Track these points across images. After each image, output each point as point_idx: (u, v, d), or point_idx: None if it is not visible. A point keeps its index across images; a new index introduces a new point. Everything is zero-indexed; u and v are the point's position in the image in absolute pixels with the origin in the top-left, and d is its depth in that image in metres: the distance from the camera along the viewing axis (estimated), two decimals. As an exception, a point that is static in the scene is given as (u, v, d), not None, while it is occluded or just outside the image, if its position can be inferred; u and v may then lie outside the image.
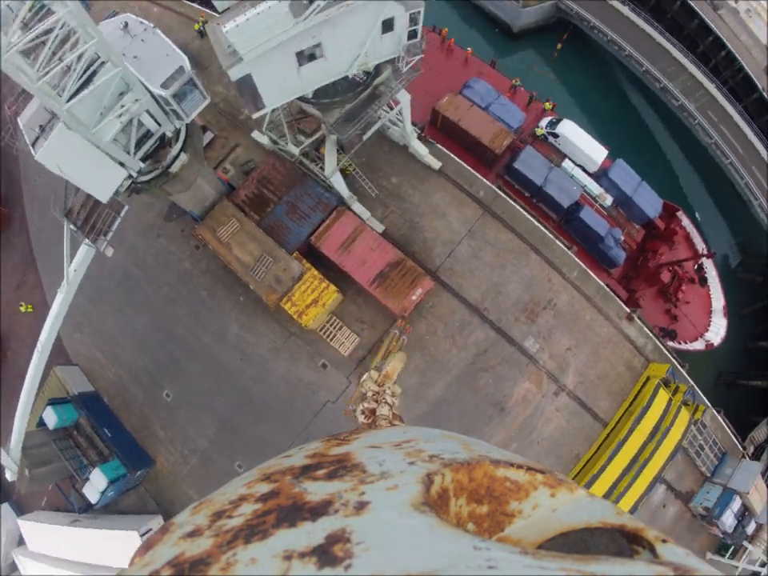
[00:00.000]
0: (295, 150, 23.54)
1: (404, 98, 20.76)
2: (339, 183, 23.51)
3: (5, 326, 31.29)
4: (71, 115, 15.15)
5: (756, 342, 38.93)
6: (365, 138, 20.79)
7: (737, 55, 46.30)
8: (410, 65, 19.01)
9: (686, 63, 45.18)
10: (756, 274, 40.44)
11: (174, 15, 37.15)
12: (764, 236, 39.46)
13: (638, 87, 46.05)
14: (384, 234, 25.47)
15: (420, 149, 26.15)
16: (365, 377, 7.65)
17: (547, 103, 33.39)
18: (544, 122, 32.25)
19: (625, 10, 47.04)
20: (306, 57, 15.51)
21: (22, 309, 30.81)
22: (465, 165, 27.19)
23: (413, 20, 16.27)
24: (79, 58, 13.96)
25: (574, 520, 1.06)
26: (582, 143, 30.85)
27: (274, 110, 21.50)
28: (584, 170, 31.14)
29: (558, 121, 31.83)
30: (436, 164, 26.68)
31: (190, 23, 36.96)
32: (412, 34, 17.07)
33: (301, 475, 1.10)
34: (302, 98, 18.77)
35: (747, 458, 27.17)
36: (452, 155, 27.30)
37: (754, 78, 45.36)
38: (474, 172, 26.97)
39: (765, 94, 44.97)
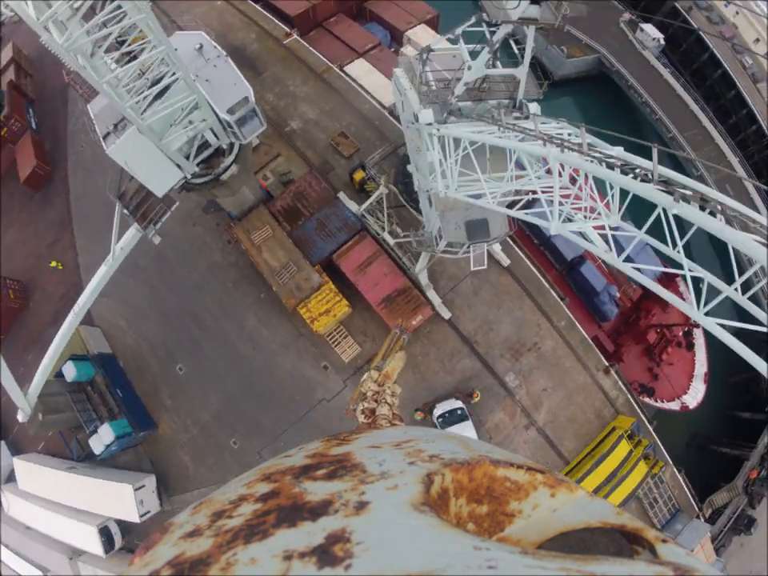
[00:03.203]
0: (390, 240, 25.22)
1: None
2: (423, 276, 25.04)
3: (32, 278, 32.09)
4: (147, 126, 17.57)
5: (735, 411, 39.13)
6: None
7: (767, 131, 46.21)
8: None
9: (714, 134, 45.71)
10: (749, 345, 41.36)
11: (236, 13, 38.34)
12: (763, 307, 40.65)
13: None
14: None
15: (496, 247, 26.61)
16: (365, 376, 7.82)
17: None
18: None
19: (665, 72, 47.68)
20: None
21: (52, 265, 31.53)
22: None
23: None
24: (160, 79, 16.23)
25: (573, 520, 1.05)
26: None
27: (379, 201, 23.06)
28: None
29: None
30: (505, 261, 27.72)
31: (250, 23, 38.58)
32: None
33: (301, 475, 1.09)
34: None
35: (701, 519, 28.05)
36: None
37: (782, 156, 44.80)
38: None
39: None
